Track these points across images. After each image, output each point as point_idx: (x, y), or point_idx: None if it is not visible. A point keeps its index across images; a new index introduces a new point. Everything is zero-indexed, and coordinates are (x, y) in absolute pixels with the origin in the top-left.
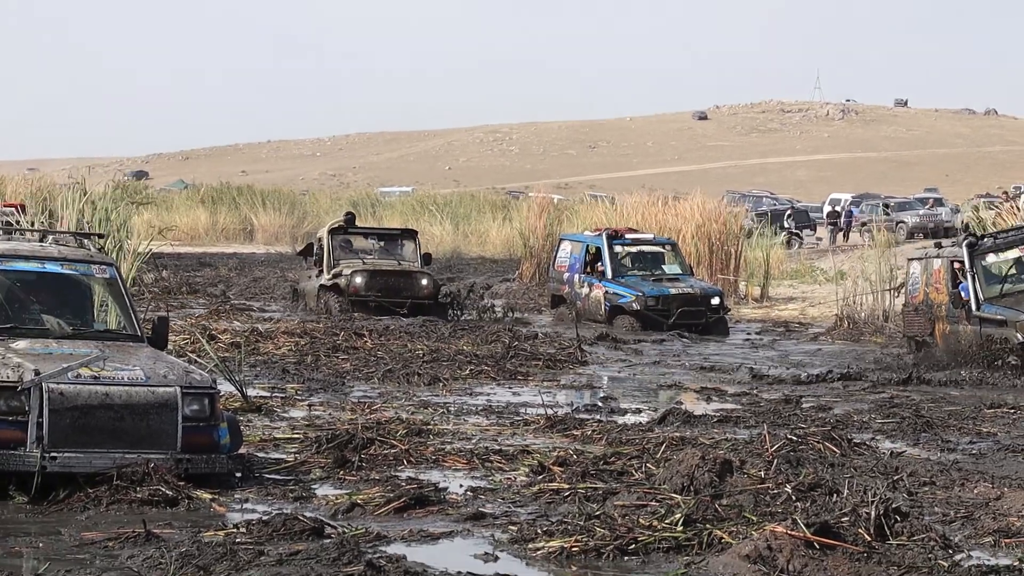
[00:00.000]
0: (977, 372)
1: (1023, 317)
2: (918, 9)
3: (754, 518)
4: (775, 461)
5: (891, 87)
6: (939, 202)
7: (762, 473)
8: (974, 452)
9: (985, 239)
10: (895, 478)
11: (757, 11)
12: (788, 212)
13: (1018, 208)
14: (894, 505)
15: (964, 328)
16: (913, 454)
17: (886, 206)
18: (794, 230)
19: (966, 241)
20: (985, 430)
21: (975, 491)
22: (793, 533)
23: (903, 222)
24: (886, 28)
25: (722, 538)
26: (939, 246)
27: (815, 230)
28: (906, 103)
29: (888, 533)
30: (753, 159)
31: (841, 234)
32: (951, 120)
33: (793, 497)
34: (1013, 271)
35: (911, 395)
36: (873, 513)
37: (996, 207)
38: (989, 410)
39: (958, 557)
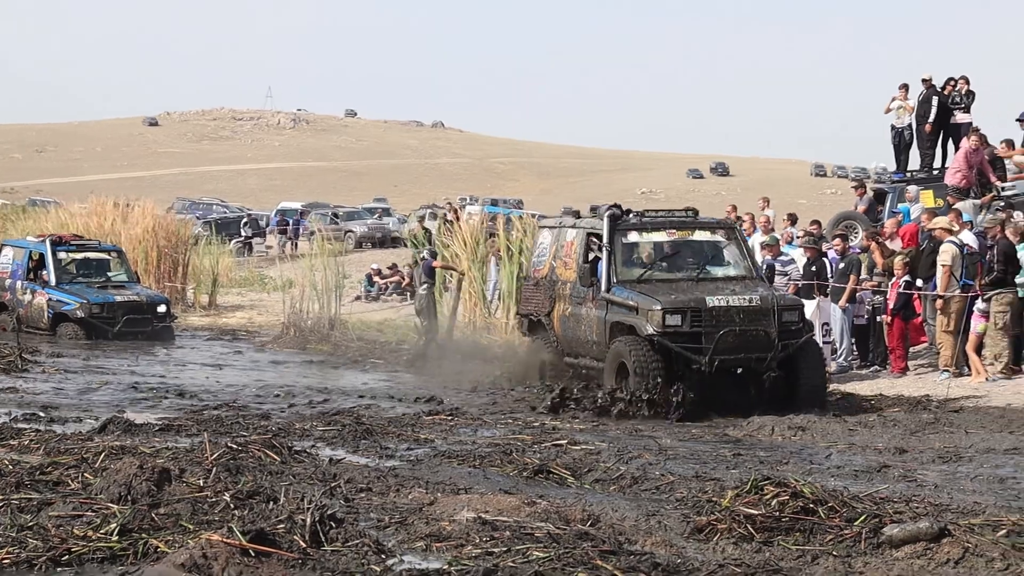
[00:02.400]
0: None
1: (656, 307)
2: (365, 19)
3: (191, 526)
4: (215, 469)
5: (342, 97)
6: (387, 212)
7: (201, 481)
8: (411, 458)
9: (630, 215)
10: (333, 485)
11: (204, 18)
12: (245, 220)
13: (461, 219)
14: (330, 511)
15: (588, 311)
16: (352, 461)
17: (335, 215)
18: (249, 238)
19: (609, 212)
20: (423, 436)
21: (410, 496)
22: (229, 541)
23: (351, 231)
24: (335, 39)
25: (158, 547)
26: (577, 215)
27: (265, 238)
28: (356, 114)
29: (323, 539)
30: (204, 166)
31: (290, 243)
32: (400, 131)
33: (231, 505)
34: (653, 256)
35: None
36: (309, 520)
37: (441, 218)
38: (428, 417)
39: (391, 562)
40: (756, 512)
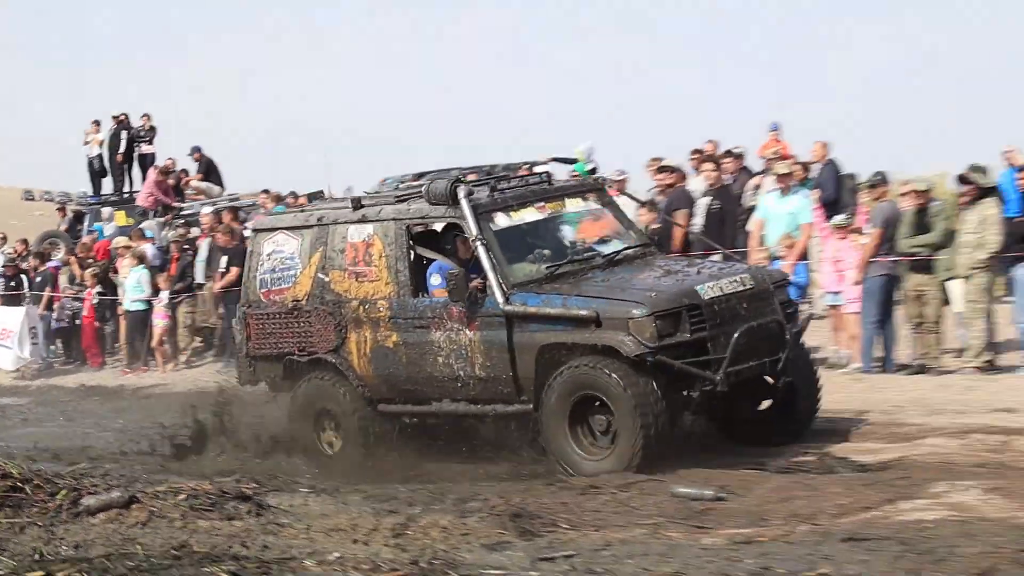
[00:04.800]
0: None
1: (641, 311)
2: None
3: None
4: None
5: None
6: None
7: None
8: None
9: (479, 188)
10: None
11: None
12: None
13: None
14: None
15: (454, 336)
16: None
17: None
18: None
19: (464, 190)
20: None
21: None
22: None
23: None
24: None
25: None
26: (358, 203)
27: None
28: None
29: None
30: None
31: None
32: None
33: None
34: (535, 243)
35: None
36: None
37: None
38: None
39: None
40: None
